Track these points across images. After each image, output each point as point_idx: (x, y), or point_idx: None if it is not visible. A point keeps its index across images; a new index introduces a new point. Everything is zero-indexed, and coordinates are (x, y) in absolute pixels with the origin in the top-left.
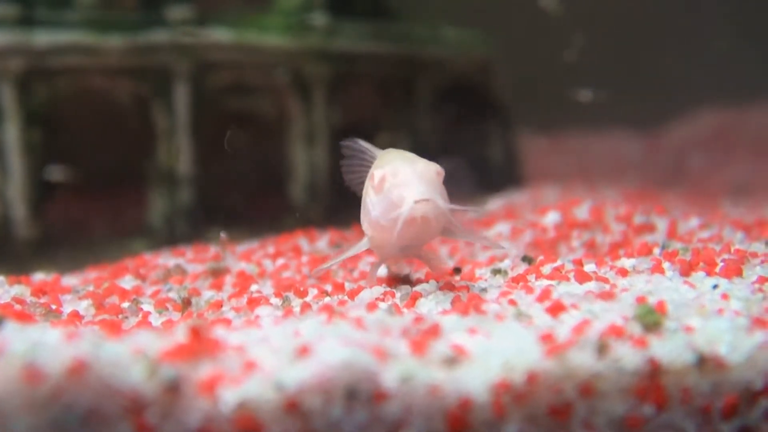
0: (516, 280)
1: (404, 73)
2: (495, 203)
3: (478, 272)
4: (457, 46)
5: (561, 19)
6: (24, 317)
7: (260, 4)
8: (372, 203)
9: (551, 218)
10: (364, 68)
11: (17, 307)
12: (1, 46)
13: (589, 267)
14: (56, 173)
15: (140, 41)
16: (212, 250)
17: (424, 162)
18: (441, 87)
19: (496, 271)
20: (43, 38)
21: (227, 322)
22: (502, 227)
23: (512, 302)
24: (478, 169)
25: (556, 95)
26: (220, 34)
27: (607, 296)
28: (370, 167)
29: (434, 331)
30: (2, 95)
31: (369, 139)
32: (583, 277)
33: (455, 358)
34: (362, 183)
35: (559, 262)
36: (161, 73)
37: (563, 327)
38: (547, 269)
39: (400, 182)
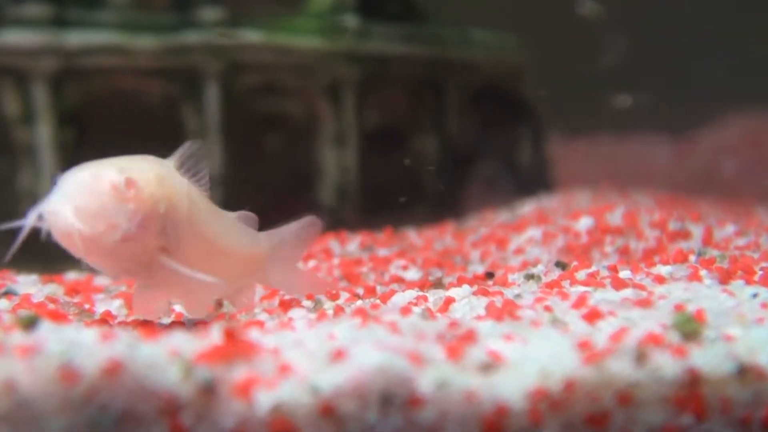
0: (550, 285)
1: (435, 76)
2: (525, 207)
3: (510, 277)
4: (488, 48)
5: (595, 23)
6: (58, 317)
7: (291, 7)
8: None
9: (584, 223)
10: (394, 70)
11: (51, 306)
12: (34, 46)
13: (625, 273)
14: None
15: (171, 42)
16: None
17: (98, 170)
18: (471, 90)
19: (529, 277)
20: (75, 38)
21: (260, 324)
22: (534, 232)
23: (548, 308)
24: (509, 172)
25: (589, 99)
26: (251, 36)
27: (645, 303)
28: None
29: (470, 336)
30: (35, 95)
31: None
32: (619, 284)
33: (491, 364)
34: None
35: (593, 268)
36: (192, 74)
37: (600, 334)
38: (581, 275)
39: (57, 189)
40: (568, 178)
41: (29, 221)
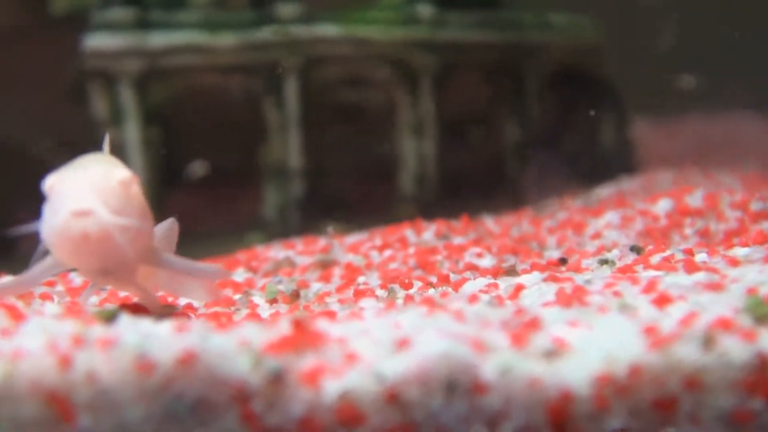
0: (623, 270)
1: (512, 62)
2: (604, 191)
3: (584, 263)
4: (565, 32)
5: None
6: (140, 310)
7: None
8: (44, 215)
9: (662, 206)
10: (471, 58)
11: (135, 299)
12: (119, 48)
13: (701, 257)
14: (198, 168)
15: (251, 39)
16: (321, 242)
17: (106, 167)
18: (550, 74)
19: (603, 262)
20: (158, 39)
21: (332, 314)
22: (612, 216)
23: (617, 294)
24: (590, 156)
25: (671, 80)
26: (328, 29)
27: (716, 287)
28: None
29: (534, 323)
30: (122, 95)
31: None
32: (691, 268)
33: (556, 351)
34: None
35: (668, 252)
36: (271, 69)
37: (668, 319)
38: (656, 259)
39: (65, 190)
40: (652, 160)
41: (60, 221)
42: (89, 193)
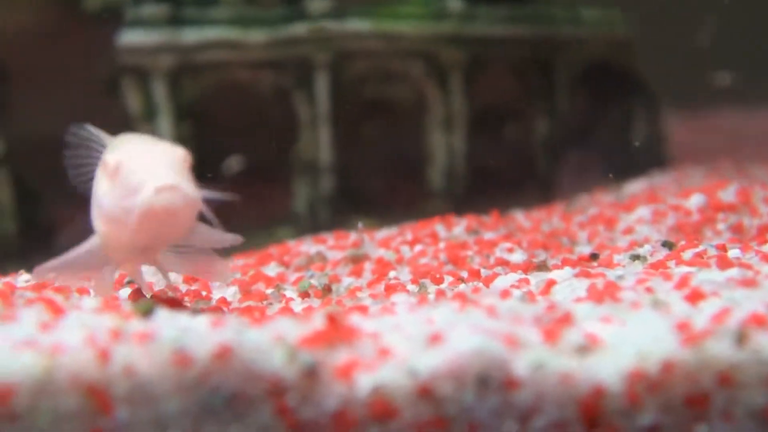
0: (655, 266)
1: (542, 56)
2: (636, 186)
3: (616, 258)
4: (596, 26)
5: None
6: (175, 304)
7: None
8: (105, 194)
9: (695, 201)
10: (500, 52)
11: (170, 294)
12: (153, 44)
13: (734, 252)
14: (233, 164)
15: (282, 34)
16: (352, 237)
17: (167, 145)
18: (580, 68)
19: (635, 257)
20: (191, 35)
21: (364, 308)
22: (643, 211)
23: (649, 290)
24: (621, 151)
25: (706, 74)
26: (358, 24)
27: (749, 283)
28: (100, 156)
29: (567, 319)
30: (155, 91)
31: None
32: (725, 264)
33: (588, 347)
34: (92, 177)
35: (701, 248)
36: (302, 65)
37: (701, 316)
38: (688, 255)
39: (139, 167)
40: (684, 155)
41: (146, 196)
42: (167, 168)
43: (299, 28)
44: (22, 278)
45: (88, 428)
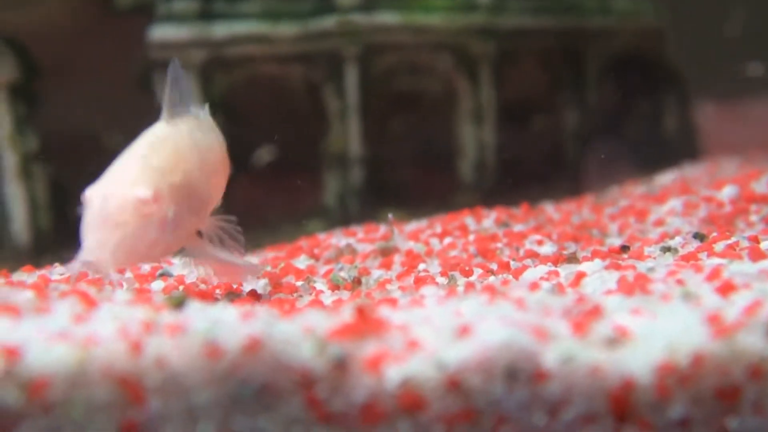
0: (686, 258)
1: (572, 47)
2: (667, 177)
3: (646, 250)
4: (627, 15)
5: None
6: (206, 296)
7: None
8: None
9: (727, 192)
10: (530, 44)
11: (202, 286)
12: (184, 39)
13: (766, 244)
14: (264, 155)
15: (311, 28)
16: (382, 229)
17: (125, 188)
18: (610, 59)
19: (666, 249)
20: (221, 30)
21: (393, 301)
22: (675, 203)
23: (680, 282)
24: (652, 142)
25: (738, 64)
26: (387, 17)
27: None
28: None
29: (596, 311)
30: None
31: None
32: (757, 255)
33: (617, 339)
34: None
35: (733, 239)
36: (331, 58)
37: (732, 308)
38: (720, 247)
39: (85, 221)
40: (717, 146)
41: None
42: (108, 229)
43: (328, 22)
44: (57, 270)
45: (120, 419)
